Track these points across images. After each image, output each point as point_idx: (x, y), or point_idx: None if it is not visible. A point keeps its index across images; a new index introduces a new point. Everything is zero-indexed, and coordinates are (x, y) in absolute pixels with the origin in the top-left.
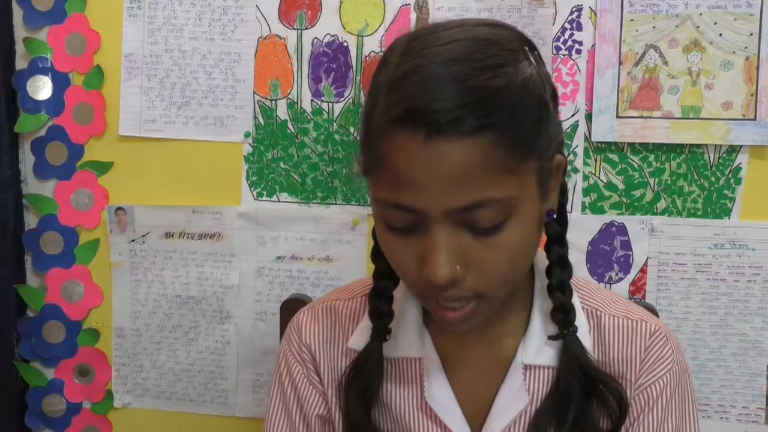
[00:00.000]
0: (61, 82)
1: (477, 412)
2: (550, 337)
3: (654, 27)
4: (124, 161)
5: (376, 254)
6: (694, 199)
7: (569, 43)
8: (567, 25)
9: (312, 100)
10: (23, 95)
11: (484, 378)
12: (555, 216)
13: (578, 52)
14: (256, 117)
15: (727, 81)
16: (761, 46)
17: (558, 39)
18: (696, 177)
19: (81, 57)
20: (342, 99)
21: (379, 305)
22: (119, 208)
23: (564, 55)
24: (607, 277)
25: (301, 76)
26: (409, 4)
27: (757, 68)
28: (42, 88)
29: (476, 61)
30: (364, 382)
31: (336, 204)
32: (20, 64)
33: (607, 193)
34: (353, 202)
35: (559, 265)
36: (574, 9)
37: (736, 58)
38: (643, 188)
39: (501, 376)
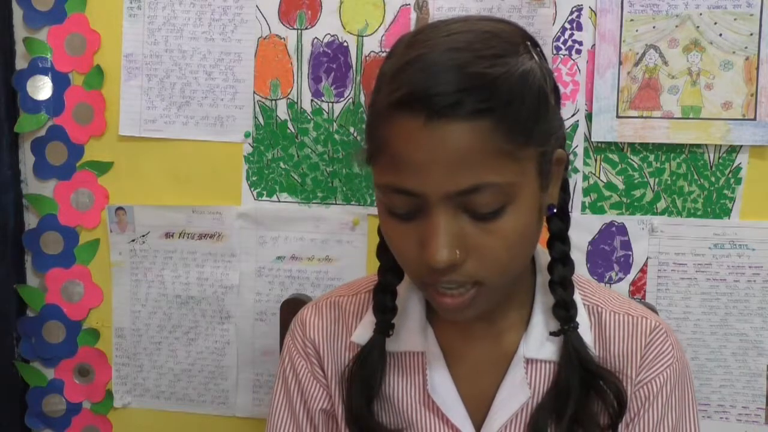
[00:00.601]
0: (61, 82)
1: (479, 406)
2: (552, 333)
3: (654, 27)
4: (124, 161)
5: (381, 250)
6: (694, 199)
7: (569, 43)
8: (567, 25)
9: (312, 100)
10: (23, 95)
11: (486, 372)
12: (555, 210)
13: (578, 52)
14: (256, 117)
15: (727, 81)
16: (761, 46)
17: (558, 39)
18: (696, 177)
19: (81, 57)
20: (342, 99)
21: (383, 300)
22: (119, 208)
23: (564, 55)
24: (607, 277)
25: (301, 76)
26: (409, 4)
27: (757, 68)
28: (42, 88)
29: (476, 51)
30: (366, 373)
31: (336, 204)
32: (20, 64)
33: (607, 193)
34: (353, 202)
35: (561, 261)
36: (574, 9)
37: (736, 58)
38: (643, 188)
39: (503, 370)
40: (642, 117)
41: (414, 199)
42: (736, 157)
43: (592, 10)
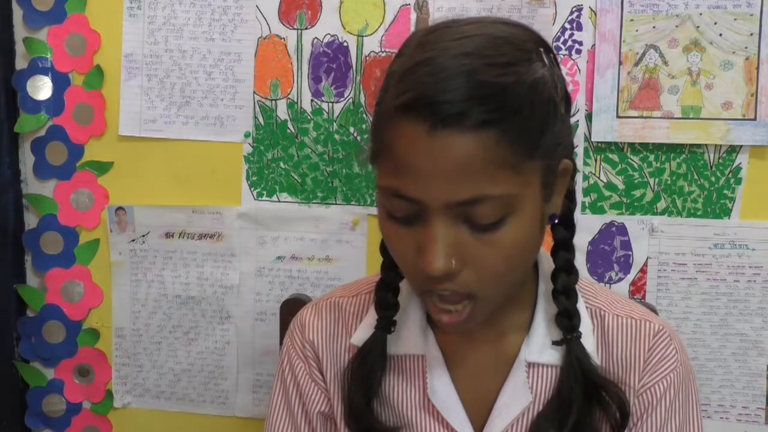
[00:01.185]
0: (61, 82)
1: (479, 410)
2: (555, 342)
3: (654, 27)
4: (124, 161)
5: (383, 247)
6: (694, 199)
7: (569, 43)
8: (567, 25)
9: (312, 100)
10: (23, 95)
11: (487, 375)
12: (557, 220)
13: (578, 52)
14: (256, 117)
15: (727, 81)
16: (761, 46)
17: (558, 39)
18: (696, 177)
19: (81, 57)
20: (342, 99)
21: (386, 296)
22: (119, 208)
23: (564, 55)
24: (607, 277)
25: (301, 76)
26: (409, 4)
27: (757, 68)
28: (42, 88)
29: (487, 57)
30: (366, 371)
31: (336, 204)
32: (20, 64)
33: (607, 193)
34: (353, 202)
35: (565, 270)
36: (574, 9)
37: (736, 58)
38: (643, 188)
39: (504, 373)
40: (642, 117)
41: (414, 205)
42: (736, 157)
43: (592, 10)
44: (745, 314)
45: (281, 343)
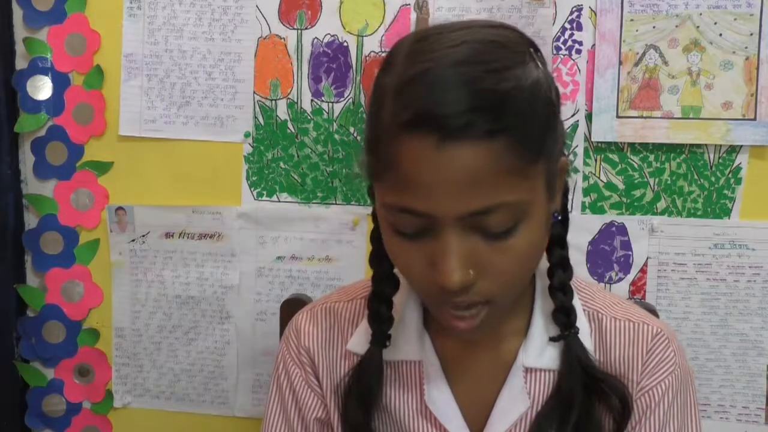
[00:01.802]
0: (61, 82)
1: (477, 416)
2: (552, 339)
3: (654, 27)
4: (124, 161)
5: (375, 258)
6: (694, 199)
7: (569, 43)
8: (567, 25)
9: (312, 100)
10: (23, 95)
11: (485, 381)
12: (559, 217)
13: (578, 52)
14: (256, 117)
15: (727, 81)
16: (761, 46)
17: (558, 39)
18: (696, 177)
19: (81, 57)
20: (342, 99)
21: (379, 310)
22: (119, 208)
23: (564, 55)
24: (607, 277)
25: (301, 76)
26: (409, 4)
27: (757, 68)
28: (42, 88)
29: (484, 64)
30: (364, 388)
31: (336, 204)
32: (20, 64)
33: (607, 193)
34: (353, 202)
35: (561, 266)
36: (574, 9)
37: (736, 58)
38: (643, 188)
39: (501, 379)
40: (642, 117)
41: (423, 219)
42: (736, 157)
43: (592, 10)
44: (745, 314)
45: (280, 344)
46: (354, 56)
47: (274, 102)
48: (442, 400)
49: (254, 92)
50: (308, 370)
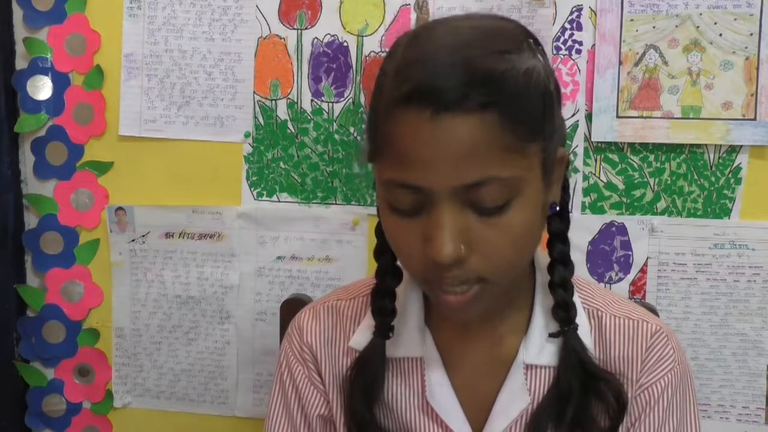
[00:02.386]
0: (61, 82)
1: (478, 412)
2: (551, 335)
3: (654, 27)
4: (124, 161)
5: (379, 252)
6: (694, 199)
7: (569, 43)
8: (567, 25)
9: (312, 100)
10: (23, 95)
11: (486, 377)
12: (557, 209)
13: (578, 52)
14: (256, 117)
15: (727, 81)
16: (761, 46)
17: (558, 39)
18: (696, 177)
19: (81, 57)
20: (342, 99)
21: (382, 302)
22: (119, 208)
23: (564, 55)
24: (607, 277)
25: (301, 76)
26: (409, 4)
27: (757, 68)
28: (42, 88)
29: (481, 47)
30: (367, 380)
31: (336, 204)
32: (20, 64)
33: (607, 193)
34: (353, 202)
35: (561, 262)
36: (574, 9)
37: (736, 58)
38: (643, 188)
39: (502, 375)
40: (642, 117)
41: (419, 194)
42: (736, 157)
43: (592, 10)
44: (745, 314)
45: (281, 342)
46: (354, 56)
47: (274, 102)
48: (443, 396)
49: (254, 92)
50: (311, 367)
